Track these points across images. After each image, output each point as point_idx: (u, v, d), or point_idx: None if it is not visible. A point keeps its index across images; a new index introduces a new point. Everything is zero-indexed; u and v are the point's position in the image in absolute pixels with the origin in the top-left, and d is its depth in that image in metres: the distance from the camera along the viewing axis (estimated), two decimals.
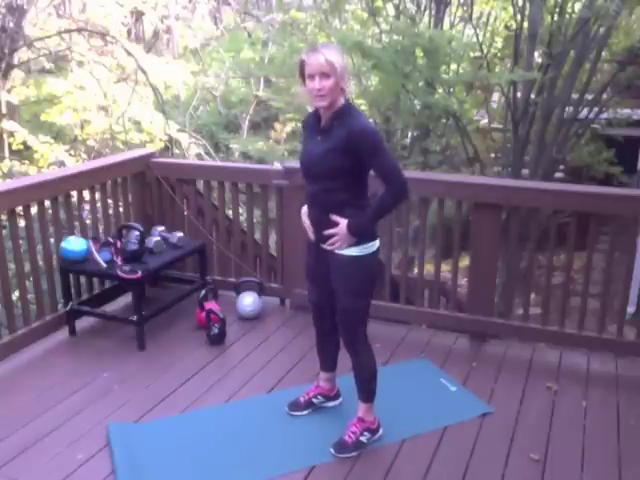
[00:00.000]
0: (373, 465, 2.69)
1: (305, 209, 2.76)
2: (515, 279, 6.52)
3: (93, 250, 3.71)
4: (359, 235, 2.55)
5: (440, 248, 3.91)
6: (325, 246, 2.61)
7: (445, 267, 4.34)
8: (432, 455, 2.74)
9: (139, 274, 3.55)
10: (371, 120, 9.51)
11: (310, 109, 2.76)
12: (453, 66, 8.62)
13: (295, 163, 3.40)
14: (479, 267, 3.70)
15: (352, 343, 2.71)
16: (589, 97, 8.51)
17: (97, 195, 4.08)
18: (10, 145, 9.02)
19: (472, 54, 8.63)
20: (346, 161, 2.47)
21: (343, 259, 2.58)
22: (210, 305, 3.83)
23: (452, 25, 9.62)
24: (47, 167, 8.63)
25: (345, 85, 2.47)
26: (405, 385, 3.29)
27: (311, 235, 2.73)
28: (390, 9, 9.38)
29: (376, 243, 2.61)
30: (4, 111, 9.09)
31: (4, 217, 3.55)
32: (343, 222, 2.53)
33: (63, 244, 3.68)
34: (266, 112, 13.10)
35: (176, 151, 10.04)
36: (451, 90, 8.19)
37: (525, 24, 8.12)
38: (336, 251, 2.59)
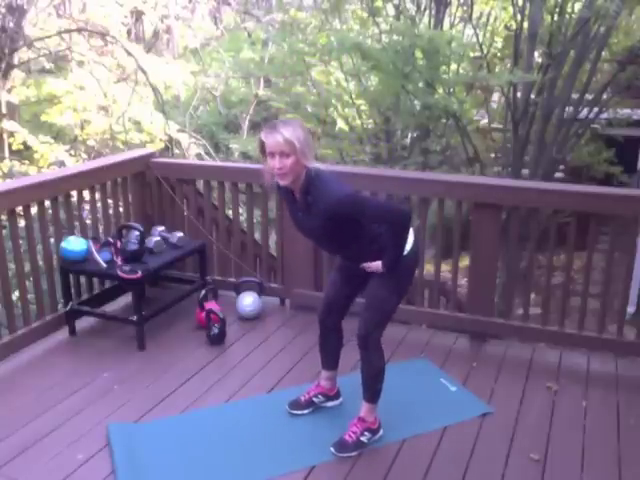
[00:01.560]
0: (373, 465, 2.69)
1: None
2: (515, 279, 6.53)
3: (93, 250, 3.71)
4: (394, 268, 2.61)
5: (440, 248, 3.91)
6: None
7: (445, 267, 4.34)
8: (432, 455, 2.74)
9: (139, 274, 3.55)
10: (370, 123, 9.52)
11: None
12: (453, 66, 8.62)
13: None
14: (479, 267, 3.70)
15: (366, 338, 2.70)
16: (589, 97, 8.51)
17: (97, 195, 4.08)
18: (10, 145, 9.02)
19: (472, 54, 8.63)
20: (341, 227, 2.51)
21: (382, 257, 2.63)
22: (210, 305, 3.83)
23: (452, 25, 9.61)
24: (47, 167, 8.63)
25: (307, 160, 2.44)
26: (405, 385, 3.29)
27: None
28: (390, 9, 9.38)
29: (410, 238, 2.64)
30: (4, 111, 9.09)
31: (4, 217, 3.54)
32: (377, 265, 2.62)
33: (63, 244, 3.68)
34: (266, 112, 13.09)
35: (176, 151, 10.04)
36: (451, 90, 8.19)
37: (525, 24, 8.12)
38: None
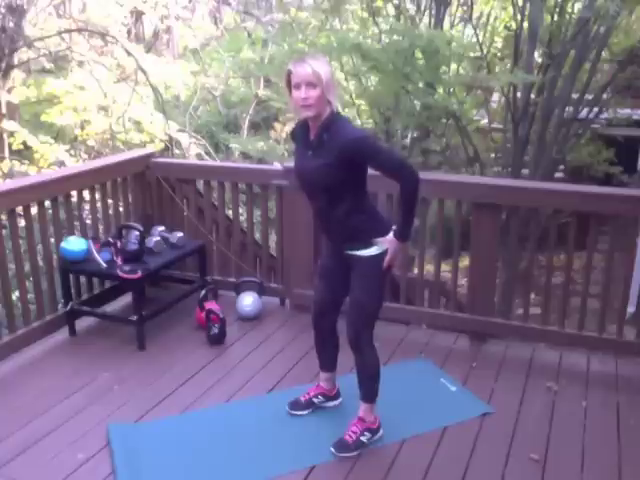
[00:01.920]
0: (373, 465, 2.69)
1: None
2: (515, 279, 6.53)
3: (93, 250, 3.71)
4: (410, 238, 2.61)
5: (440, 248, 3.91)
6: (349, 253, 2.62)
7: (445, 267, 4.34)
8: (432, 455, 2.74)
9: (139, 274, 3.55)
10: (369, 123, 9.52)
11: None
12: (453, 67, 8.62)
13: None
14: (479, 267, 3.70)
15: (357, 341, 2.70)
16: (589, 97, 8.52)
17: (97, 195, 4.08)
18: (10, 145, 9.02)
19: (472, 54, 8.63)
20: (341, 174, 2.49)
21: (362, 259, 2.60)
22: (210, 305, 3.83)
23: (452, 25, 9.61)
24: (47, 167, 8.63)
25: (332, 97, 2.46)
26: (405, 385, 3.29)
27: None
28: (390, 9, 9.38)
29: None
30: (4, 111, 9.08)
31: (4, 217, 3.55)
32: (388, 238, 2.57)
33: (63, 244, 3.68)
34: (266, 112, 13.09)
35: (176, 151, 10.05)
36: (451, 90, 8.19)
37: (525, 24, 8.12)
38: (353, 253, 2.61)
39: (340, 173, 2.48)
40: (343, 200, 2.55)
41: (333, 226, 2.65)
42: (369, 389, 2.76)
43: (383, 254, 2.60)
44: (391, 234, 2.58)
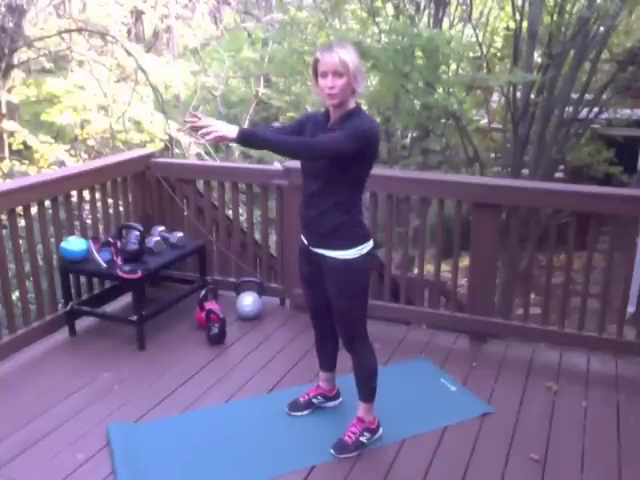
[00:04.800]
0: (373, 465, 2.69)
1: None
2: (515, 279, 6.53)
3: (93, 250, 3.71)
4: (245, 138, 2.34)
5: (440, 248, 3.91)
6: (204, 136, 2.40)
7: (445, 267, 4.34)
8: (432, 455, 2.74)
9: (139, 274, 3.56)
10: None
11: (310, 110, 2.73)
12: (453, 66, 8.62)
13: (295, 163, 3.39)
14: (479, 267, 3.70)
15: (350, 343, 2.71)
16: (589, 97, 8.52)
17: (97, 195, 4.08)
18: (10, 145, 9.01)
19: (472, 54, 8.63)
20: (345, 159, 2.42)
21: (335, 262, 2.56)
22: (210, 305, 3.83)
23: (451, 25, 9.62)
24: (47, 167, 8.63)
25: (358, 86, 2.45)
26: (405, 385, 3.29)
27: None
28: (389, 9, 9.38)
29: (368, 244, 2.59)
30: (4, 111, 9.08)
31: (4, 217, 3.54)
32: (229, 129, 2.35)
33: (63, 244, 3.68)
34: (266, 112, 13.10)
35: (176, 151, 10.04)
36: (451, 90, 8.19)
37: (525, 24, 8.12)
38: (327, 254, 2.57)
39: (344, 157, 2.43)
40: (336, 191, 2.51)
41: (317, 217, 2.57)
42: (367, 389, 2.76)
43: (357, 259, 2.54)
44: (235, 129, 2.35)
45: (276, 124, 5.01)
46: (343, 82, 2.40)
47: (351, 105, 2.49)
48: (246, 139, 2.35)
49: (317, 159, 2.50)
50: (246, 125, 12.62)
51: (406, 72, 7.59)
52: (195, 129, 2.41)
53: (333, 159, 2.44)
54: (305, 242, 2.70)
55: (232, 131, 2.33)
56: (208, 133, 2.33)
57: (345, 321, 2.68)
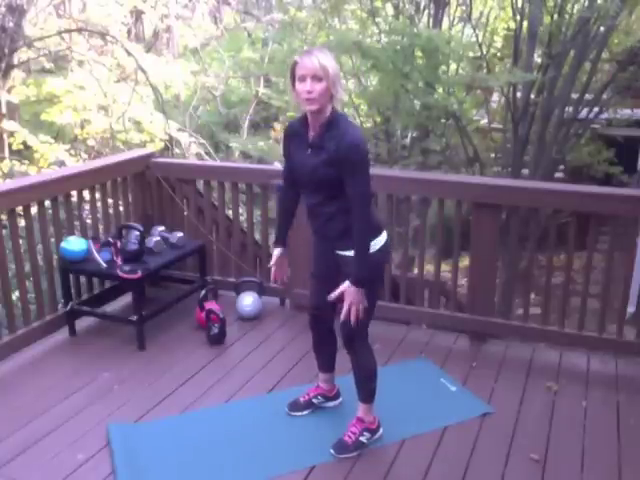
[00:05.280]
0: (373, 465, 2.69)
1: (278, 252, 2.84)
2: (515, 279, 6.53)
3: (93, 250, 3.71)
4: (368, 281, 2.50)
5: (440, 248, 3.92)
6: (342, 315, 2.55)
7: (445, 267, 4.34)
8: (432, 455, 2.74)
9: (139, 274, 3.56)
10: (368, 125, 9.51)
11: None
12: (453, 66, 8.62)
13: None
14: (479, 267, 3.70)
15: (351, 341, 2.70)
16: (589, 97, 8.52)
17: (97, 195, 4.08)
18: (10, 145, 9.01)
19: (471, 54, 8.63)
20: (334, 172, 2.43)
21: (349, 260, 2.54)
22: (210, 305, 3.83)
23: (451, 25, 9.62)
24: (47, 167, 8.63)
25: (336, 92, 2.41)
26: (405, 385, 3.29)
27: (273, 275, 2.87)
28: (389, 9, 9.38)
29: (381, 239, 2.57)
30: (4, 111, 9.08)
31: (4, 217, 3.54)
32: (344, 286, 2.48)
33: (63, 244, 3.68)
34: (266, 112, 13.11)
35: (176, 151, 10.04)
36: (451, 90, 8.19)
37: (525, 24, 8.12)
38: (342, 253, 2.58)
39: (333, 171, 2.43)
40: (337, 199, 2.50)
41: (324, 224, 2.60)
42: (366, 389, 2.76)
43: (374, 255, 2.54)
44: (347, 282, 2.47)
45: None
46: (322, 87, 2.35)
47: (329, 111, 2.44)
48: (363, 280, 2.48)
49: (366, 226, 2.48)
50: (246, 125, 12.64)
51: (406, 72, 7.59)
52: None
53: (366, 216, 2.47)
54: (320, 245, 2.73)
55: (357, 293, 2.47)
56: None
57: (349, 318, 2.66)
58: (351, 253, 2.53)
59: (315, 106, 2.39)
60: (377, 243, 2.55)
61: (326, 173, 2.46)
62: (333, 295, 2.54)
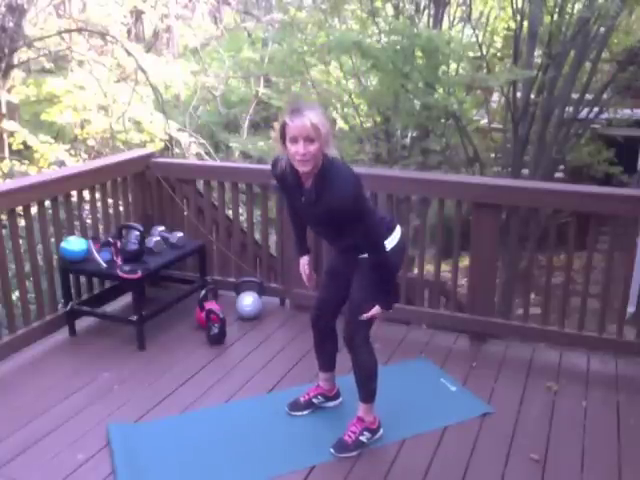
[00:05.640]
0: (373, 465, 2.69)
1: (304, 260, 2.88)
2: (515, 279, 6.53)
3: (93, 250, 3.71)
4: (393, 297, 2.64)
5: (440, 248, 3.92)
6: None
7: (445, 267, 4.34)
8: (432, 455, 2.74)
9: (139, 274, 3.55)
10: (368, 125, 9.50)
11: None
12: (453, 66, 8.62)
13: None
14: (479, 267, 3.70)
15: (352, 340, 2.70)
16: (589, 97, 8.52)
17: (97, 195, 4.08)
18: (10, 145, 9.01)
19: (472, 54, 8.63)
20: (339, 219, 2.46)
21: (364, 261, 2.59)
22: (210, 305, 3.83)
23: (451, 25, 9.62)
24: (47, 167, 8.63)
25: (328, 150, 2.38)
26: (405, 385, 3.29)
27: (308, 283, 2.94)
28: (389, 9, 9.38)
29: (394, 238, 2.61)
30: (4, 111, 9.08)
31: (4, 217, 3.54)
32: (377, 309, 2.60)
33: (63, 244, 3.68)
34: (266, 112, 13.09)
35: (176, 150, 10.04)
36: (451, 90, 8.19)
37: (525, 24, 8.12)
38: (359, 256, 2.61)
39: (340, 220, 2.46)
40: (348, 233, 2.53)
41: (338, 245, 2.70)
42: (366, 389, 2.76)
43: (389, 253, 2.59)
44: (377, 306, 2.58)
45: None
46: (315, 147, 2.31)
47: (319, 164, 2.39)
48: (391, 306, 2.63)
49: (386, 260, 2.55)
50: (246, 125, 12.63)
51: (406, 72, 7.59)
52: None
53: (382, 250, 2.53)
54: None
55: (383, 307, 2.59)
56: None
57: (354, 315, 2.66)
58: (366, 255, 2.59)
59: (308, 167, 2.37)
60: (390, 242, 2.60)
61: (331, 220, 2.48)
62: (365, 316, 2.60)
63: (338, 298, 2.81)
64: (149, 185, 4.34)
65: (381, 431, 2.83)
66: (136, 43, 11.57)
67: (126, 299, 4.05)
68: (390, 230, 2.62)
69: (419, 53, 7.90)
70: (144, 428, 2.91)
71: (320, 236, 2.74)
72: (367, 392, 2.76)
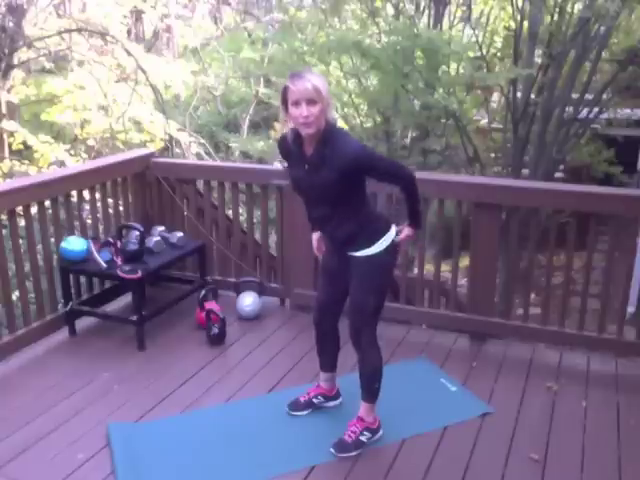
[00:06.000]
0: (373, 465, 2.69)
1: (316, 235, 2.87)
2: (515, 279, 6.52)
3: (93, 250, 3.71)
4: (421, 226, 2.84)
5: (440, 248, 3.92)
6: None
7: (445, 267, 4.34)
8: (432, 455, 2.74)
9: (139, 274, 3.55)
10: (368, 125, 9.51)
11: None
12: (453, 66, 8.62)
13: None
14: (479, 267, 3.70)
15: (358, 339, 2.71)
16: (589, 97, 8.52)
17: (97, 195, 4.08)
18: (10, 145, 9.01)
19: (472, 54, 8.63)
20: (343, 187, 2.48)
21: (360, 259, 2.61)
22: (210, 305, 3.83)
23: (451, 25, 9.62)
24: (47, 167, 8.63)
25: (330, 113, 2.44)
26: (405, 385, 3.29)
27: (317, 252, 2.92)
28: (389, 9, 9.39)
29: (388, 237, 2.62)
30: (4, 111, 9.08)
31: (4, 217, 3.55)
32: (404, 226, 2.72)
33: (63, 244, 3.68)
34: (266, 112, 13.09)
35: (176, 150, 10.04)
36: (451, 90, 8.19)
37: (525, 24, 8.13)
38: (352, 254, 2.62)
39: (342, 187, 2.48)
40: (343, 209, 2.56)
41: (333, 232, 2.66)
42: (369, 389, 2.76)
43: (381, 253, 2.59)
44: (406, 226, 2.71)
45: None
46: (318, 109, 2.36)
47: (322, 127, 2.44)
48: (419, 226, 2.78)
49: (416, 181, 2.62)
50: (246, 125, 12.63)
51: (406, 72, 7.59)
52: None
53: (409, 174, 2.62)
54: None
55: (413, 233, 2.73)
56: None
57: (358, 315, 2.67)
58: (361, 253, 2.60)
59: (312, 129, 2.41)
60: (385, 240, 2.60)
61: (331, 188, 2.49)
62: (399, 239, 2.68)
63: (337, 298, 2.82)
64: (149, 185, 4.34)
65: (381, 431, 2.83)
66: (136, 43, 11.56)
67: (126, 299, 4.05)
68: (387, 228, 2.63)
69: (419, 53, 7.90)
70: (144, 428, 2.91)
71: (319, 224, 2.70)
72: (370, 392, 2.76)
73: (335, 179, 2.44)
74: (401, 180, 2.60)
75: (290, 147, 2.56)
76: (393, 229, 2.65)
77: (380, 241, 2.59)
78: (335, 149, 2.42)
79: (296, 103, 2.37)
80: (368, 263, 2.61)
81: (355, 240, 2.60)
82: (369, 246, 2.59)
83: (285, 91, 2.41)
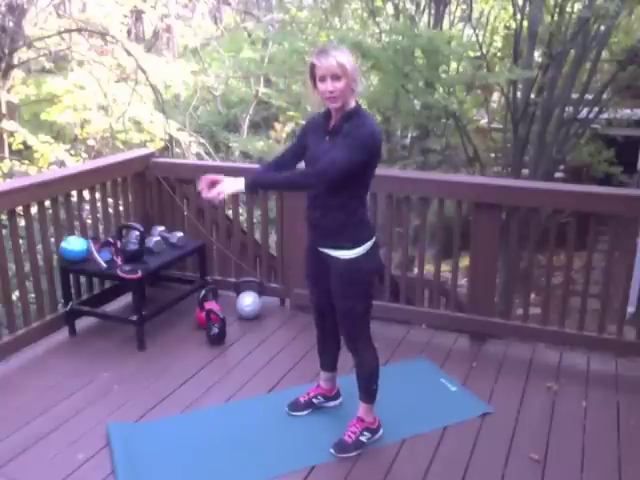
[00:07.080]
0: (373, 465, 2.69)
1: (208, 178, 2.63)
2: (515, 279, 6.52)
3: (93, 250, 3.71)
4: (251, 184, 2.52)
5: (440, 248, 3.92)
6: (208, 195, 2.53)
7: (445, 267, 4.34)
8: (432, 455, 2.74)
9: (139, 274, 3.55)
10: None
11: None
12: (453, 66, 8.63)
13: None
14: (479, 267, 3.70)
15: (352, 343, 2.72)
16: (589, 97, 8.53)
17: (97, 195, 4.08)
18: (10, 145, 9.01)
19: (472, 54, 8.64)
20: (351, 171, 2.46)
21: (339, 262, 2.58)
22: (210, 305, 3.83)
23: (452, 25, 9.63)
24: (47, 167, 8.62)
25: (356, 87, 2.48)
26: (405, 385, 3.29)
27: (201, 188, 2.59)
28: (390, 9, 9.39)
29: (369, 244, 2.59)
30: (4, 111, 9.08)
31: (4, 217, 3.55)
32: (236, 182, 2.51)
33: (63, 244, 3.68)
34: (266, 112, 13.10)
35: (176, 150, 10.04)
36: (451, 90, 8.20)
37: (525, 24, 8.13)
38: (332, 254, 2.60)
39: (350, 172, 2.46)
40: (340, 193, 2.53)
41: (322, 217, 2.60)
42: (367, 389, 2.76)
43: (360, 258, 2.56)
44: (242, 179, 2.49)
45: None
46: (342, 85, 2.42)
47: (352, 104, 2.50)
48: (253, 184, 2.54)
49: (326, 184, 2.49)
50: (246, 125, 12.63)
51: (406, 72, 7.59)
52: (208, 199, 2.55)
53: (338, 180, 2.46)
54: (312, 242, 2.72)
55: (239, 183, 2.48)
56: (218, 194, 2.49)
57: (347, 322, 2.68)
58: (341, 254, 2.57)
59: (338, 104, 2.47)
60: (366, 247, 2.57)
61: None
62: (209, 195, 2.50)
63: (328, 299, 2.76)
64: (149, 185, 4.35)
65: (381, 431, 2.83)
66: (136, 43, 11.56)
67: (126, 299, 4.05)
68: (370, 237, 2.60)
69: (419, 53, 7.91)
70: (144, 428, 2.91)
71: (311, 207, 2.63)
72: (368, 392, 2.76)
73: (340, 144, 2.46)
74: (315, 170, 2.51)
75: (317, 121, 2.62)
76: (374, 240, 2.62)
77: (362, 247, 2.56)
78: (355, 126, 2.47)
79: (322, 79, 2.44)
80: (348, 268, 2.57)
81: (338, 234, 2.56)
82: (350, 248, 2.55)
83: (312, 67, 2.47)
